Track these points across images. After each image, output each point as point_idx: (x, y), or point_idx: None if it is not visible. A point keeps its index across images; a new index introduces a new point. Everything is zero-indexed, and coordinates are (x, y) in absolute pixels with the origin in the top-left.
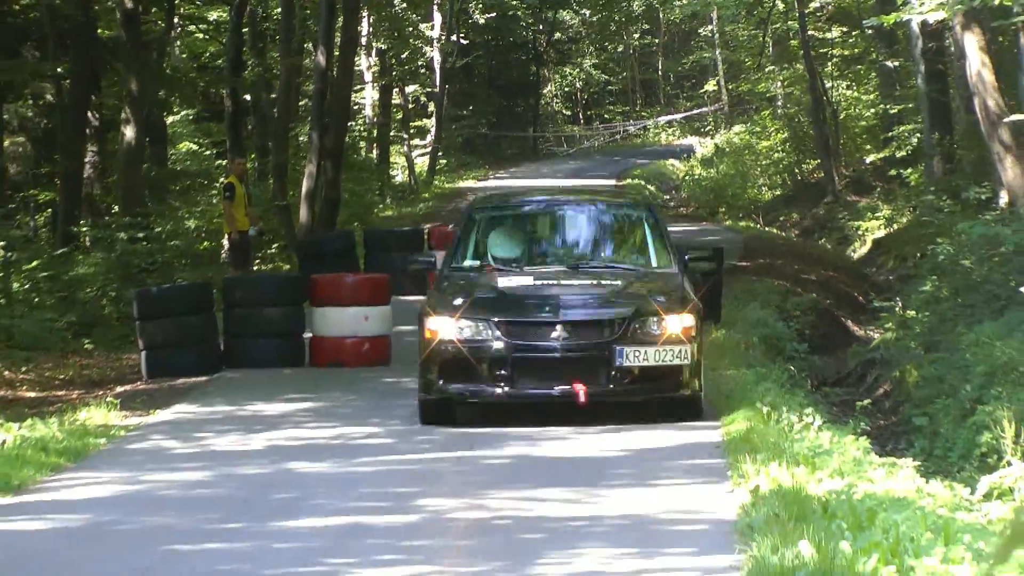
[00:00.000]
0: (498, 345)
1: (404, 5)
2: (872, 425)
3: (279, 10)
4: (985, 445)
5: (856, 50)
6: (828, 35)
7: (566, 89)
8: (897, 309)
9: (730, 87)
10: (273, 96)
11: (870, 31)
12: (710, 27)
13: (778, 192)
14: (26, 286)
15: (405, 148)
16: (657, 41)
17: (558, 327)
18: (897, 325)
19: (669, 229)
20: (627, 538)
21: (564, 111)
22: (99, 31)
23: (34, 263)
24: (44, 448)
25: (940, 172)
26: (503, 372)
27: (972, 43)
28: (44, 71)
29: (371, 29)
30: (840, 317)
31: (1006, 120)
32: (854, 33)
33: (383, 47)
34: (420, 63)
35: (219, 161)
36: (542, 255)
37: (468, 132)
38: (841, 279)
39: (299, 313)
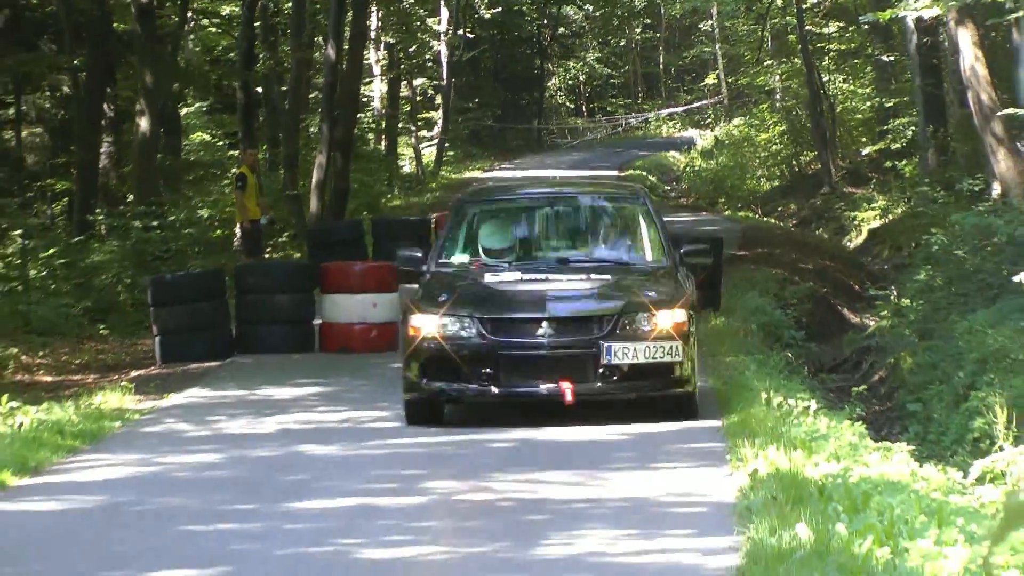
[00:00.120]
0: (483, 342)
1: (412, 0)
2: (867, 411)
3: (290, 5)
4: (978, 430)
5: (852, 45)
6: (825, 30)
7: (569, 82)
8: (892, 297)
9: (729, 81)
10: (284, 89)
11: (866, 27)
12: (710, 22)
13: (776, 183)
14: (43, 273)
15: (413, 139)
16: (658, 36)
17: (544, 324)
18: (892, 313)
19: (670, 219)
20: (628, 520)
21: (568, 104)
22: (114, 25)
23: (51, 251)
24: (60, 431)
25: (934, 164)
26: (488, 370)
27: (966, 38)
28: (61, 64)
29: (380, 23)
30: (836, 305)
31: (999, 114)
32: (851, 28)
33: (391, 41)
34: (427, 57)
35: (231, 152)
36: (531, 249)
37: (474, 124)
38: (837, 268)
39: (309, 300)
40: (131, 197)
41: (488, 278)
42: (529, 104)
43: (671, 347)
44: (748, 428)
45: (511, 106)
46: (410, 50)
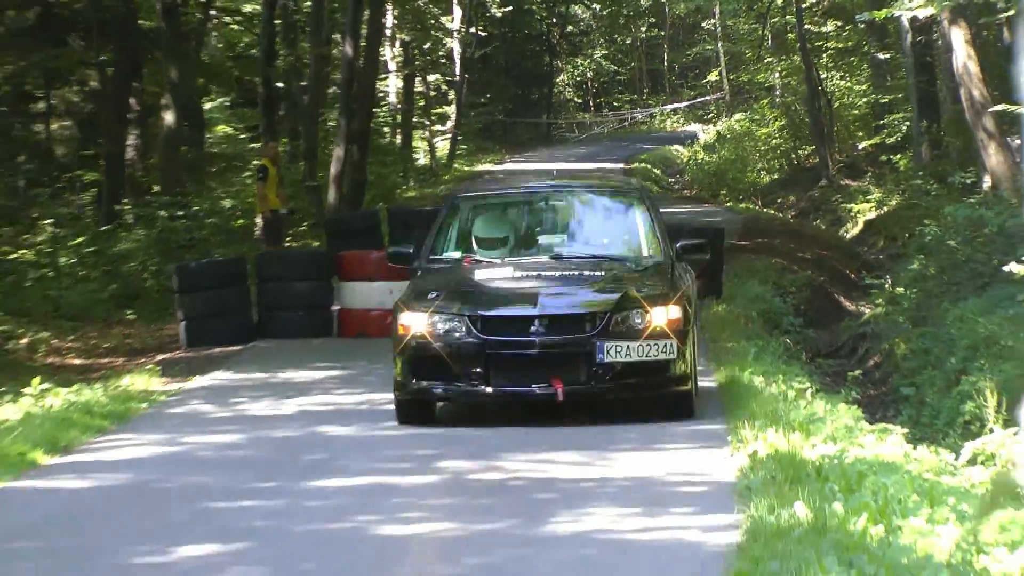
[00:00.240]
0: (472, 341)
1: None
2: (863, 394)
3: (309, 3)
4: (968, 414)
5: (849, 43)
6: (823, 29)
7: (577, 79)
8: (887, 286)
9: (731, 77)
10: (304, 84)
11: (863, 25)
12: (713, 21)
13: (776, 176)
14: (73, 260)
15: (427, 133)
16: (663, 34)
17: (536, 321)
18: (887, 301)
19: (674, 210)
20: (633, 498)
21: (576, 99)
22: (140, 22)
23: (80, 239)
24: (89, 411)
25: (928, 158)
26: (478, 369)
27: (958, 37)
28: (89, 59)
29: (395, 21)
30: (833, 293)
31: (990, 109)
32: (848, 27)
33: (406, 38)
34: (441, 54)
35: (253, 144)
36: (524, 245)
37: (486, 119)
38: (834, 257)
39: (327, 287)
40: (157, 188)
41: (479, 275)
42: (539, 99)
43: (665, 345)
44: (748, 411)
45: (521, 101)
46: (424, 47)
